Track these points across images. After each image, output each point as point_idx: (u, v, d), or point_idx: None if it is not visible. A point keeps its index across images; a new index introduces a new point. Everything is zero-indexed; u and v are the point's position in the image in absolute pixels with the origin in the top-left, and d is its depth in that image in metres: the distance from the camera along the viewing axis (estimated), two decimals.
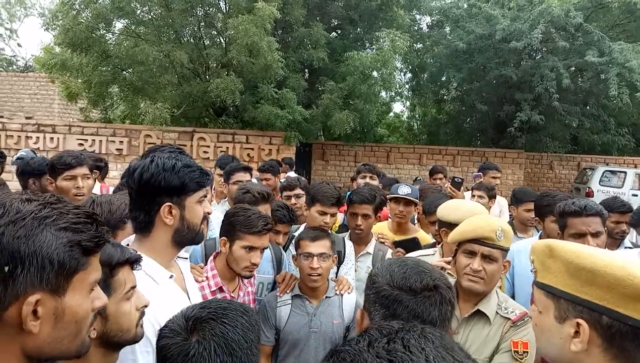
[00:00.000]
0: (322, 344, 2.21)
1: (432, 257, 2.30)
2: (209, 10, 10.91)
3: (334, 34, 12.91)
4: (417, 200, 3.13)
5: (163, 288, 1.37)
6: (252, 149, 10.25)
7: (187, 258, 1.69)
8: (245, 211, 2.06)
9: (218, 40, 11.26)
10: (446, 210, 2.33)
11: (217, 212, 2.98)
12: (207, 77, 10.69)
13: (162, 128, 9.75)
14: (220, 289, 2.07)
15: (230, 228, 2.03)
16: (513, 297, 2.69)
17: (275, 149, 10.24)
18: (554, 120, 13.01)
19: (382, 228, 3.19)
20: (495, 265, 1.77)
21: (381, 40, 10.13)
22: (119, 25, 10.91)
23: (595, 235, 2.10)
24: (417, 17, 14.36)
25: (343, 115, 9.75)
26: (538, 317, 1.07)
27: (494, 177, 4.82)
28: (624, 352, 0.93)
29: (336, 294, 2.31)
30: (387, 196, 3.18)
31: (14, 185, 3.50)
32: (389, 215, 3.25)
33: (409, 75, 15.61)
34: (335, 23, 12.95)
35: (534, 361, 1.71)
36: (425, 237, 3.08)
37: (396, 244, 2.89)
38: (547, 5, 10.32)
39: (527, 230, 3.46)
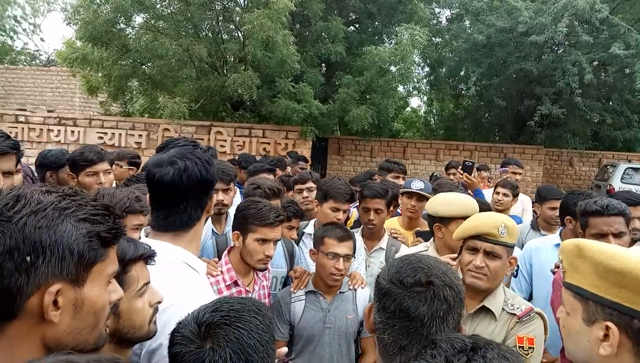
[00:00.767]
0: (337, 339, 2.23)
1: (425, 253, 2.29)
2: (227, 4, 10.94)
3: (352, 28, 12.83)
4: (430, 196, 3.11)
5: (204, 277, 1.42)
6: (269, 144, 10.28)
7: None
8: (256, 204, 2.07)
9: (236, 34, 11.30)
10: (436, 205, 2.32)
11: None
12: (225, 71, 10.74)
13: (180, 122, 9.85)
14: (235, 283, 2.10)
15: (243, 221, 2.05)
16: (531, 296, 2.66)
17: (292, 144, 10.26)
18: (575, 115, 12.73)
19: (393, 224, 3.18)
20: (498, 261, 1.76)
21: (400, 35, 10.03)
22: (138, 19, 11.02)
23: (618, 235, 2.05)
24: (437, 10, 14.18)
25: (360, 110, 9.71)
26: (566, 318, 1.05)
27: (514, 173, 4.77)
28: None
29: (350, 289, 2.31)
30: (400, 191, 3.17)
31: None
32: (401, 209, 3.23)
33: (427, 69, 15.43)
34: (354, 17, 12.86)
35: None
36: None
37: (417, 234, 2.88)
38: None
39: (551, 229, 3.33)
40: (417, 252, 1.69)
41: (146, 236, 1.50)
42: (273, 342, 1.00)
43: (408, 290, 1.02)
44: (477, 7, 12.94)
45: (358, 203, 2.98)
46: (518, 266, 2.71)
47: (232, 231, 2.13)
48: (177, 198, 1.33)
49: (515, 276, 2.74)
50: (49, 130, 10.67)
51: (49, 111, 13.06)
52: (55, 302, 0.78)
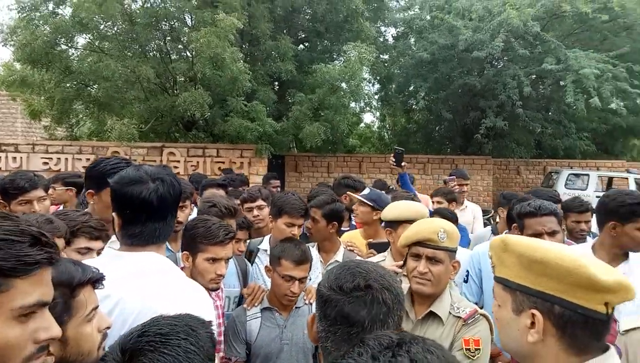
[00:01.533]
0: (295, 355, 2.20)
1: (384, 263, 2.33)
2: (174, 24, 10.85)
3: (301, 46, 13.02)
4: (374, 203, 3.15)
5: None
6: (223, 163, 10.15)
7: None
8: (204, 222, 2.02)
9: (184, 53, 11.20)
10: (385, 210, 2.39)
11: None
12: (175, 91, 10.59)
13: (130, 144, 9.57)
14: None
15: (192, 241, 1.99)
16: (479, 302, 2.73)
17: (247, 162, 10.19)
18: (518, 126, 13.41)
19: (355, 236, 3.20)
20: (441, 266, 1.80)
21: (348, 52, 10.28)
22: (81, 40, 10.72)
23: (552, 234, 2.17)
24: (383, 28, 14.65)
25: (314, 127, 9.81)
26: (498, 310, 1.09)
27: (460, 184, 4.91)
28: (576, 339, 0.97)
29: (305, 304, 2.30)
30: (355, 200, 3.22)
31: None
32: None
33: (377, 85, 15.86)
34: (303, 36, 13.07)
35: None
36: None
37: (370, 245, 2.90)
38: (506, 16, 10.69)
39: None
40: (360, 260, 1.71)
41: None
42: (210, 360, 0.94)
43: (348, 296, 1.02)
44: (420, 26, 13.51)
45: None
46: (468, 271, 2.79)
47: (181, 251, 2.07)
48: (165, 211, 1.43)
49: (466, 281, 2.81)
50: None
51: None
52: None
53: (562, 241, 2.26)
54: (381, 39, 14.37)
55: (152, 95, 10.48)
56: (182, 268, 2.10)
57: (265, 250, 2.71)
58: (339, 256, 2.86)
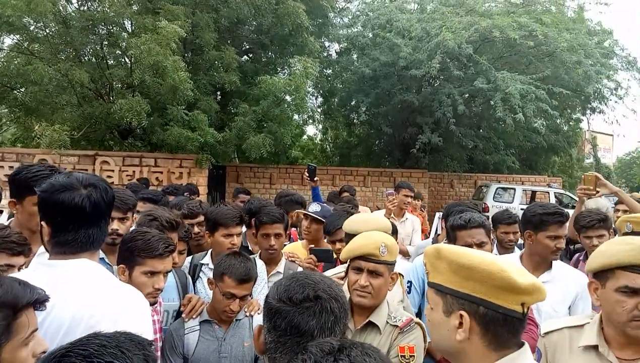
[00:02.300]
0: None
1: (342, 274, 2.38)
2: (112, 29, 10.45)
3: (245, 57, 12.99)
4: (323, 218, 3.21)
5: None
6: (161, 173, 9.84)
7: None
8: (143, 234, 1.97)
9: (123, 60, 10.80)
10: (348, 223, 2.46)
11: None
12: (111, 97, 10.16)
13: (59, 152, 9.03)
14: None
15: (129, 254, 1.93)
16: (420, 311, 2.84)
17: (187, 172, 9.93)
18: (452, 142, 14.13)
19: (296, 248, 3.23)
20: (381, 279, 1.87)
21: (293, 66, 10.40)
22: (7, 41, 10.05)
23: (480, 245, 2.32)
24: (326, 44, 14.95)
25: (258, 138, 9.77)
26: (430, 313, 1.18)
27: (406, 195, 5.05)
28: (497, 336, 1.07)
29: (246, 316, 2.29)
30: (298, 212, 3.25)
31: None
32: (301, 231, 3.30)
33: (320, 99, 16.12)
34: (247, 47, 13.06)
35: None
36: None
37: (311, 251, 2.93)
38: (442, 38, 11.30)
39: None
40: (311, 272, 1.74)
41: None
42: None
43: (298, 307, 1.05)
44: (363, 43, 13.96)
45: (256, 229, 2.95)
46: (411, 282, 2.89)
47: (117, 265, 2.00)
48: (98, 217, 1.42)
49: (409, 292, 2.91)
50: None
51: None
52: None
53: (491, 251, 2.42)
54: (325, 54, 14.66)
55: (86, 101, 10.00)
56: None
57: (208, 264, 2.67)
58: (280, 267, 2.87)
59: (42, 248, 1.61)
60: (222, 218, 2.60)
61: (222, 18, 10.65)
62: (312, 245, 3.04)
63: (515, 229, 3.46)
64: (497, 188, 14.01)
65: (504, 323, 1.07)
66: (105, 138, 11.49)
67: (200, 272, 2.70)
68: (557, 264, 2.47)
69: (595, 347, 1.51)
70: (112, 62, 10.78)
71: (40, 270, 1.38)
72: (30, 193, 1.79)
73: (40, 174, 1.83)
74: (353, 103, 15.30)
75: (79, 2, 10.51)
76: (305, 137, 21.80)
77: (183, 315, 2.23)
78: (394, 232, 3.36)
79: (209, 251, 2.78)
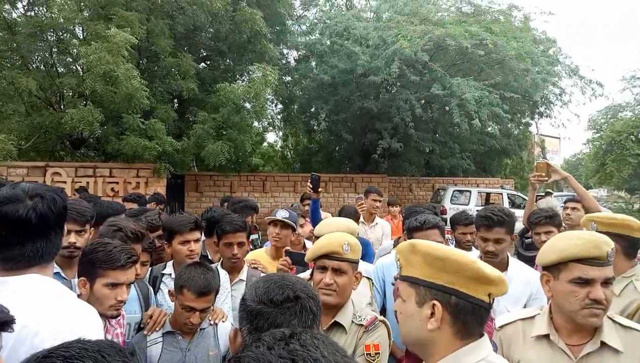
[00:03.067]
0: None
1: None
2: (62, 35, 10.07)
3: (203, 64, 12.84)
4: (295, 224, 3.24)
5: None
6: (117, 183, 9.54)
7: None
8: (104, 246, 1.93)
9: (74, 67, 10.42)
10: (320, 226, 2.52)
11: None
12: (62, 107, 9.77)
13: (6, 163, 8.59)
14: None
15: (90, 266, 1.88)
16: (384, 308, 2.91)
17: (144, 182, 9.67)
18: (410, 147, 14.49)
19: (259, 255, 3.23)
20: (345, 277, 1.92)
21: (252, 73, 10.37)
22: None
23: None
24: (285, 51, 15.01)
25: (217, 146, 9.65)
26: (402, 305, 1.23)
27: (374, 200, 5.14)
28: (465, 325, 1.14)
29: (210, 324, 2.27)
30: (266, 219, 3.25)
31: None
32: (269, 238, 3.30)
33: (280, 106, 16.14)
34: (205, 54, 12.90)
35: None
36: None
37: (287, 253, 2.94)
38: (399, 46, 11.61)
39: None
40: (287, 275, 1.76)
41: None
42: None
43: (279, 307, 1.08)
44: (321, 50, 14.11)
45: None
46: (373, 282, 2.96)
47: (78, 277, 1.94)
48: (47, 229, 1.36)
49: None
50: None
51: None
52: None
53: None
54: (284, 61, 14.71)
55: (35, 110, 9.57)
56: (78, 296, 1.98)
57: (170, 274, 2.64)
58: (243, 275, 2.87)
59: None
60: (177, 226, 2.59)
61: (178, 25, 10.49)
62: (288, 247, 3.05)
63: (472, 230, 3.60)
64: (453, 191, 14.47)
65: (473, 312, 1.14)
66: (56, 148, 11.02)
67: (161, 283, 2.66)
68: (514, 264, 2.58)
69: (546, 336, 1.61)
70: (62, 69, 10.37)
71: None
72: None
73: None
74: (313, 110, 15.42)
75: (26, 7, 10.07)
76: (265, 144, 21.74)
77: (145, 331, 2.19)
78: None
79: (171, 262, 2.75)
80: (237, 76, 12.60)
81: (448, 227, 3.53)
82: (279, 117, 15.99)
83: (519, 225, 4.79)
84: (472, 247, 3.53)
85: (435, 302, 1.15)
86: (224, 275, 2.73)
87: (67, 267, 2.21)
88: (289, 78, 15.09)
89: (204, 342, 2.21)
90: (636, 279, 2.14)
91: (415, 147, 14.54)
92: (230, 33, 11.14)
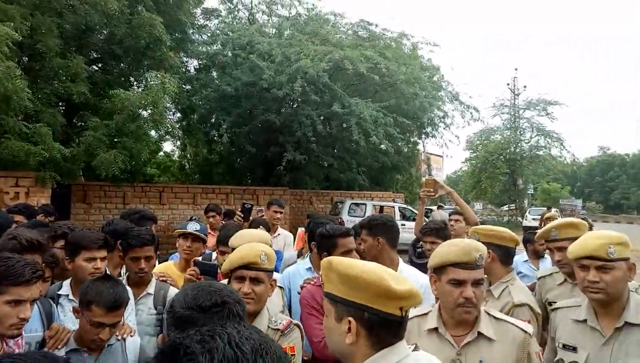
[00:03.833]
0: None
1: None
2: None
3: (95, 67, 12.02)
4: (206, 237, 3.24)
5: None
6: None
7: None
8: (5, 260, 1.79)
9: None
10: (235, 238, 2.58)
11: None
12: None
13: None
14: None
15: None
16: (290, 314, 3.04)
17: (24, 192, 8.73)
18: (311, 161, 14.96)
19: (167, 268, 3.18)
20: (262, 285, 2.02)
21: (150, 80, 9.96)
22: None
23: (349, 252, 2.63)
24: (185, 59, 14.65)
25: (110, 155, 9.09)
26: (325, 320, 1.33)
27: (275, 211, 5.25)
28: (380, 337, 1.24)
29: (118, 340, 2.21)
30: (176, 232, 3.21)
31: None
32: (178, 251, 3.25)
33: (178, 115, 15.65)
34: (97, 56, 12.10)
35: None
36: None
37: (195, 263, 2.92)
38: (303, 64, 12.03)
39: None
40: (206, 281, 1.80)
41: None
42: None
43: (207, 312, 1.15)
44: (223, 61, 14.06)
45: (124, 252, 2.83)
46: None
47: None
48: None
49: None
50: None
51: None
52: None
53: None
54: (184, 70, 14.34)
55: None
56: None
57: (67, 295, 2.49)
58: (150, 288, 2.81)
59: None
60: (85, 241, 2.44)
61: (68, 23, 9.74)
62: (198, 258, 3.04)
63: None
64: (350, 204, 15.22)
65: (385, 326, 1.23)
66: None
67: (58, 304, 2.50)
68: (402, 267, 2.88)
69: (436, 329, 1.88)
70: None
71: None
72: None
73: None
74: (214, 120, 15.20)
75: None
76: (161, 153, 20.77)
77: (46, 348, 2.07)
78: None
79: (67, 281, 2.57)
80: (134, 82, 12.01)
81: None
82: (177, 126, 15.48)
83: (411, 236, 5.28)
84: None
85: (351, 318, 1.22)
86: (128, 290, 2.66)
87: None
88: (189, 87, 14.73)
89: (112, 359, 2.14)
90: (511, 284, 2.48)
91: (316, 161, 15.08)
92: (126, 37, 10.61)
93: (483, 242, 2.13)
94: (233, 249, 2.51)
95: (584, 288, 2.02)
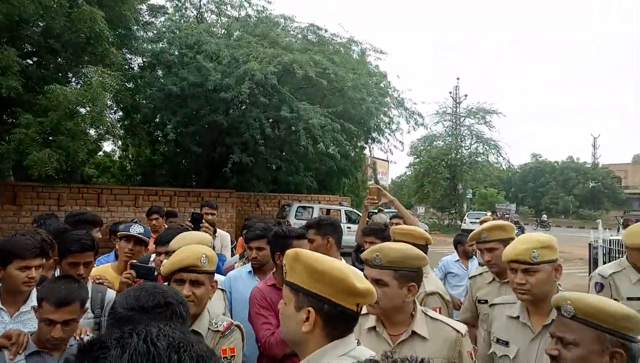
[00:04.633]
0: None
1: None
2: None
3: (29, 61, 11.32)
4: (148, 240, 3.17)
5: None
6: None
7: None
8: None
9: None
10: (176, 241, 2.55)
11: None
12: None
13: None
14: None
15: None
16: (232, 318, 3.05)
17: None
18: (259, 163, 14.88)
19: (104, 271, 3.08)
20: (203, 288, 2.03)
21: (90, 76, 9.52)
22: None
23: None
24: (129, 56, 14.12)
25: (43, 154, 8.59)
26: (284, 307, 1.39)
27: (206, 213, 5.24)
28: (334, 329, 1.33)
29: (76, 340, 2.15)
30: (119, 234, 3.12)
31: None
32: (118, 253, 3.15)
33: (120, 113, 15.04)
34: (31, 49, 11.40)
35: None
36: None
37: (132, 266, 2.85)
38: (250, 67, 11.95)
39: None
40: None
41: None
42: None
43: (149, 313, 1.15)
44: (169, 60, 13.68)
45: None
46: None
47: None
48: None
49: None
50: None
51: None
52: None
53: None
54: (127, 67, 13.81)
55: None
56: None
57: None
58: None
59: None
60: (18, 249, 2.30)
61: None
62: (134, 260, 2.96)
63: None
64: (298, 207, 15.29)
65: (341, 319, 1.33)
66: None
67: None
68: None
69: (374, 328, 1.97)
70: None
71: None
72: None
73: None
74: (158, 120, 14.75)
75: None
76: (101, 153, 19.83)
77: (8, 355, 1.97)
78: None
79: None
80: (73, 78, 11.44)
81: None
82: (119, 125, 14.87)
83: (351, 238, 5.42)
84: None
85: (311, 308, 1.30)
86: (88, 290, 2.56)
87: None
88: (132, 85, 14.20)
89: None
90: (425, 277, 2.57)
91: (264, 164, 15.00)
92: (65, 30, 10.08)
93: (398, 241, 2.30)
94: (173, 252, 2.50)
95: (513, 289, 2.18)
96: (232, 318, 2.99)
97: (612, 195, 51.92)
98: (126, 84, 13.29)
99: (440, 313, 2.23)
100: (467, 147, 31.45)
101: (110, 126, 13.02)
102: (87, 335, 2.22)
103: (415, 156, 32.47)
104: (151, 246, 3.75)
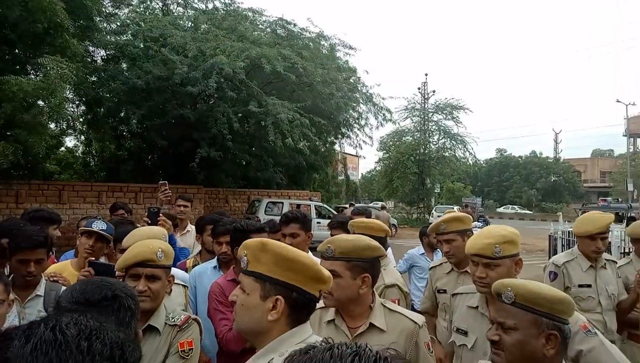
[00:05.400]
0: None
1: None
2: None
3: None
4: (111, 236, 3.08)
5: None
6: None
7: None
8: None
9: None
10: (129, 237, 2.49)
11: None
12: None
13: None
14: None
15: None
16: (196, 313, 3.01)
17: None
18: (228, 159, 14.71)
19: (63, 268, 2.98)
20: (159, 282, 2.00)
21: (47, 67, 9.15)
22: None
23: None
24: (91, 48, 13.68)
25: None
26: (245, 298, 1.37)
27: (179, 205, 5.18)
28: (299, 316, 1.36)
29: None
30: (80, 230, 3.01)
31: None
32: (79, 249, 3.05)
33: (83, 107, 14.56)
34: None
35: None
36: None
37: (90, 263, 2.76)
38: (218, 60, 11.76)
39: None
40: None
41: None
42: None
43: (96, 307, 1.13)
44: (134, 53, 13.33)
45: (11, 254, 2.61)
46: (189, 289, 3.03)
47: None
48: None
49: None
50: None
51: None
52: None
53: None
54: (89, 59, 13.37)
55: None
56: None
57: None
58: (40, 290, 2.63)
59: None
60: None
61: None
62: (93, 258, 2.87)
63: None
64: (267, 203, 15.21)
65: (306, 305, 1.36)
66: None
67: None
68: None
69: (333, 320, 1.98)
70: None
71: None
72: None
73: None
74: (123, 114, 14.37)
75: None
76: (62, 148, 19.16)
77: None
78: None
79: None
80: (31, 70, 10.98)
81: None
82: (81, 119, 14.41)
83: (326, 234, 5.44)
84: None
85: (279, 297, 1.32)
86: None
87: None
88: (95, 78, 13.77)
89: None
90: (384, 269, 2.65)
91: (233, 159, 14.84)
92: (21, 20, 9.66)
93: (357, 233, 2.33)
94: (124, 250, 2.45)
95: (474, 281, 2.23)
96: (196, 313, 2.96)
97: (573, 189, 54.01)
98: (88, 76, 12.88)
99: (399, 304, 2.26)
100: (434, 143, 31.99)
101: (72, 120, 12.64)
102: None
103: (385, 151, 32.81)
104: None
